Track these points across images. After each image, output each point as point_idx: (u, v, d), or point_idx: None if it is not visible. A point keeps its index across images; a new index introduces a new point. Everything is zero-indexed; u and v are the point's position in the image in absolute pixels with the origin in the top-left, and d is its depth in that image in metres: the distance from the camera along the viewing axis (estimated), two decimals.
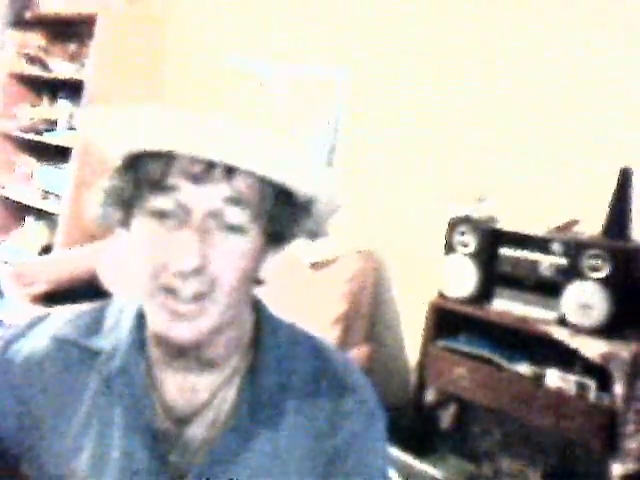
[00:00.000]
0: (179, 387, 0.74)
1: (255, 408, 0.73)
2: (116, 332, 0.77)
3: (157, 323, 0.68)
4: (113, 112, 0.68)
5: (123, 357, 0.74)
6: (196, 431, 0.73)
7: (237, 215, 0.66)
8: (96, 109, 0.70)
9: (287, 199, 0.71)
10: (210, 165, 0.65)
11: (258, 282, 0.76)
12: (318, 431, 0.74)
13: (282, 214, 0.70)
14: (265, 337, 0.77)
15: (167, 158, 0.66)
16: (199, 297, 0.66)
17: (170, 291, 0.66)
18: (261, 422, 0.73)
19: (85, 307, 0.82)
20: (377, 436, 0.78)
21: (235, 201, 0.66)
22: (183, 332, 0.67)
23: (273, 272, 0.76)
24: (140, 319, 0.75)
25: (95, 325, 0.79)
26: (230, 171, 0.66)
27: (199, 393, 0.74)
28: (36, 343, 0.78)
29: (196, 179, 0.65)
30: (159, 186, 0.66)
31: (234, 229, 0.66)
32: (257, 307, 0.79)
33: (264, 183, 0.68)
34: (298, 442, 0.73)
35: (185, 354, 0.72)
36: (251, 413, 0.72)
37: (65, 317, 0.80)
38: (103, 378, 0.74)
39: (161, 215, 0.66)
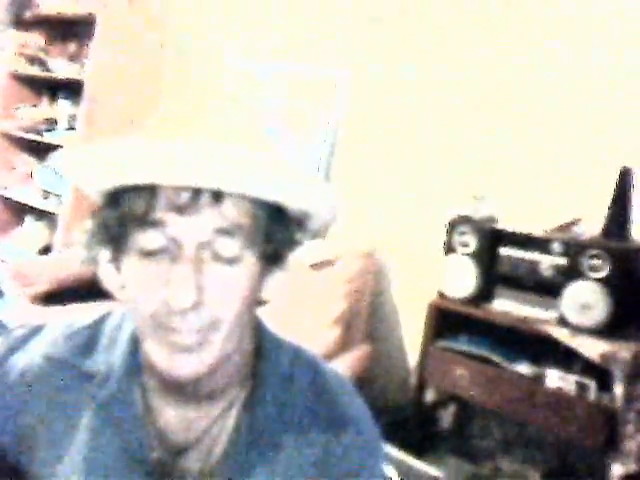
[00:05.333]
0: (175, 417, 0.72)
1: (252, 441, 0.71)
2: (111, 354, 0.74)
3: (157, 360, 0.65)
4: (88, 150, 0.65)
5: (117, 384, 0.72)
6: (192, 461, 0.72)
7: (228, 246, 0.63)
8: (72, 149, 0.67)
9: (281, 216, 0.68)
10: (196, 192, 0.61)
11: (260, 302, 0.73)
12: (316, 464, 0.72)
13: (277, 233, 0.67)
14: (264, 367, 0.74)
15: (150, 190, 0.62)
16: (201, 331, 0.63)
17: (170, 329, 0.63)
18: (258, 455, 0.71)
19: (81, 323, 0.79)
20: (376, 468, 0.76)
21: (225, 232, 0.63)
22: (184, 367, 0.64)
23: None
24: (134, 343, 0.72)
25: (90, 344, 0.76)
26: (218, 196, 0.62)
27: (196, 424, 0.72)
28: (30, 360, 0.75)
29: (182, 210, 0.61)
30: (145, 222, 0.62)
31: (227, 260, 0.63)
32: (258, 331, 0.76)
33: (256, 204, 0.65)
34: (295, 476, 0.72)
35: (182, 389, 0.70)
36: (248, 446, 0.71)
37: (60, 333, 0.77)
38: (96, 403, 0.72)
39: (151, 254, 0.63)
